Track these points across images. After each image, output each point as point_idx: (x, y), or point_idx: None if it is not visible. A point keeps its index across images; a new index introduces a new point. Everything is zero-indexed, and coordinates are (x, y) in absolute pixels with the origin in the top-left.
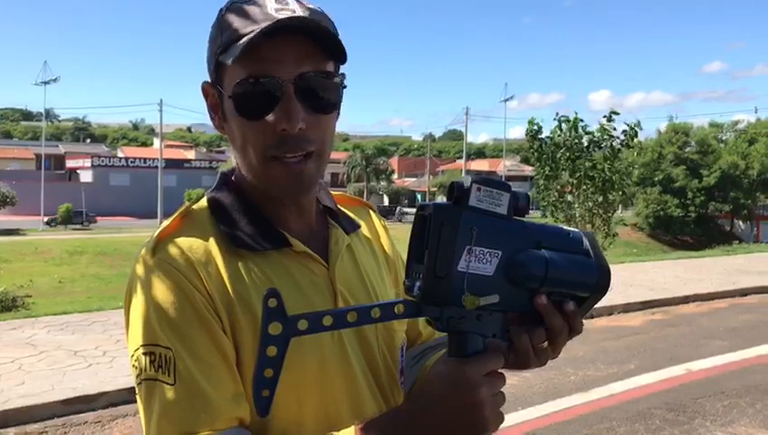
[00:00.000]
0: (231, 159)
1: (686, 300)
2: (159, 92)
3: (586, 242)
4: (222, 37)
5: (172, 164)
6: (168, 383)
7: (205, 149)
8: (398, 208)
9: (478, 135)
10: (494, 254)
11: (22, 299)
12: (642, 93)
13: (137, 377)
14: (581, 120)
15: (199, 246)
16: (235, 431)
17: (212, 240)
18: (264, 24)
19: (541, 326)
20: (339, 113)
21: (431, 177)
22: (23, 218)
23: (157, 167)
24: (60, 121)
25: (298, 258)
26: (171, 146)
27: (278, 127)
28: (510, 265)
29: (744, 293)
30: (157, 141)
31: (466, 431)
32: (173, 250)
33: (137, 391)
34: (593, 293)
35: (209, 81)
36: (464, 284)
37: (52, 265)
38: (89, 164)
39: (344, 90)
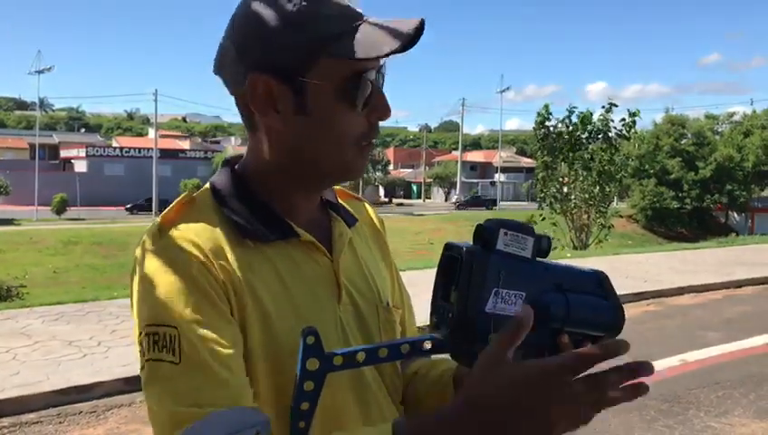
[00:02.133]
0: (227, 149)
1: (680, 291)
2: (154, 82)
3: (602, 282)
4: (316, 28)
5: (167, 154)
6: (173, 362)
7: (200, 139)
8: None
9: (475, 126)
10: (518, 295)
11: (16, 289)
12: (639, 85)
13: (141, 360)
14: (591, 114)
15: (205, 232)
16: (251, 411)
17: (217, 228)
18: (405, 33)
19: None
20: None
21: (427, 168)
22: (17, 208)
23: (152, 157)
24: (54, 111)
25: (303, 248)
26: (166, 136)
27: (374, 116)
28: (533, 306)
29: (738, 284)
30: (151, 131)
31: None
32: (179, 234)
33: (141, 376)
34: (608, 332)
35: (266, 70)
36: (490, 324)
37: (46, 254)
38: (83, 154)
39: None
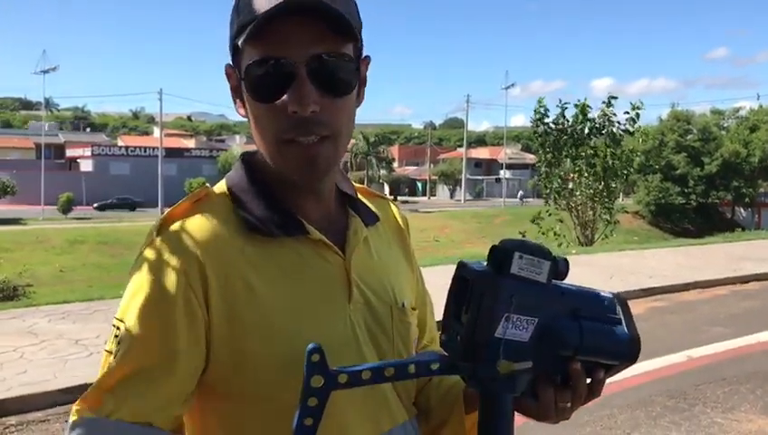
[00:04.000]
0: (232, 148)
1: (686, 287)
2: (159, 81)
3: (619, 309)
4: (238, 19)
5: (172, 153)
6: (115, 358)
7: (205, 138)
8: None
9: (480, 123)
10: (530, 321)
11: (23, 288)
12: (646, 80)
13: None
14: (590, 107)
15: (208, 229)
16: (143, 429)
17: (224, 223)
18: (273, 4)
19: (567, 389)
20: (361, 98)
21: (432, 165)
22: (23, 208)
23: (157, 156)
24: (59, 110)
25: (313, 246)
26: (171, 135)
27: (290, 109)
28: (546, 332)
29: (744, 280)
30: (157, 130)
31: None
32: (176, 233)
33: None
34: (623, 361)
35: (233, 63)
36: (500, 349)
37: (52, 254)
38: (89, 153)
39: (361, 72)
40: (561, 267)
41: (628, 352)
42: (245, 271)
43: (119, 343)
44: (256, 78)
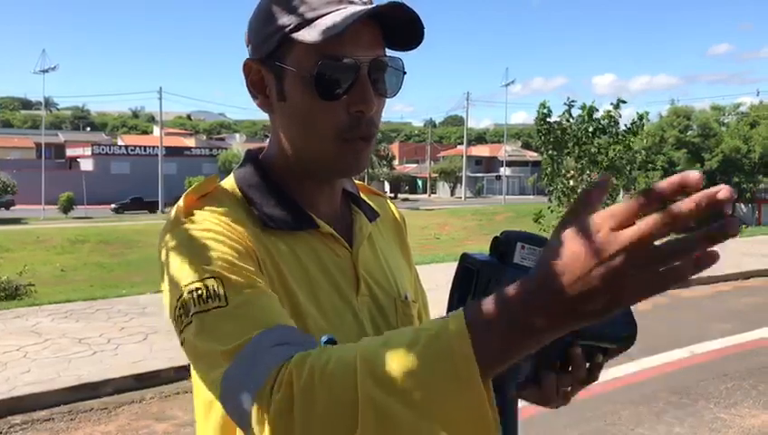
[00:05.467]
0: (232, 147)
1: (688, 283)
2: (159, 80)
3: None
4: (293, 13)
5: (172, 152)
6: (220, 306)
7: (205, 137)
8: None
9: (481, 120)
10: None
11: (25, 287)
12: (647, 77)
13: (184, 323)
14: (596, 109)
15: (230, 217)
16: (302, 333)
17: (241, 217)
18: (363, 8)
19: (568, 373)
20: None
21: (432, 163)
22: (24, 207)
23: (157, 155)
24: (59, 110)
25: (323, 240)
26: (171, 133)
27: (352, 108)
28: None
29: (747, 276)
30: (157, 129)
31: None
32: (205, 214)
33: (183, 345)
34: (620, 345)
35: (256, 57)
36: None
37: (53, 253)
38: (89, 152)
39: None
40: None
41: (626, 335)
42: (270, 254)
43: (209, 298)
44: (324, 75)
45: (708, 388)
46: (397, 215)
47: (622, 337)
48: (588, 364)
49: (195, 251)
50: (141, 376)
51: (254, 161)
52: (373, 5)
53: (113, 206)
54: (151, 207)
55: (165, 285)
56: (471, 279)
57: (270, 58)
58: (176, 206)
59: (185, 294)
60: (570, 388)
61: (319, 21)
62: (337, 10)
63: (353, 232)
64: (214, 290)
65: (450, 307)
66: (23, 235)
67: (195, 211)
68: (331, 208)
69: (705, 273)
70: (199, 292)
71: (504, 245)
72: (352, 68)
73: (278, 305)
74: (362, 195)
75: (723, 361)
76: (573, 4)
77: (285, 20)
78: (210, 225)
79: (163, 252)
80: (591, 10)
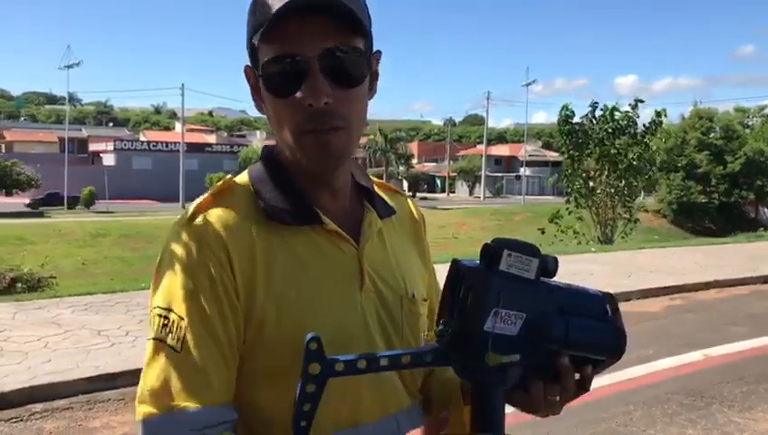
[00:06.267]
0: (253, 144)
1: (706, 286)
2: (181, 77)
3: (607, 306)
4: (253, 19)
5: (194, 148)
6: (174, 350)
7: (226, 134)
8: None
9: (501, 120)
10: (518, 316)
11: (46, 280)
12: (670, 78)
13: (148, 332)
14: (618, 110)
15: (233, 218)
16: (223, 409)
17: (248, 212)
18: (284, 3)
19: (556, 382)
20: (373, 91)
21: (451, 162)
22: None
23: (178, 151)
24: (83, 105)
25: (328, 236)
26: (193, 130)
27: (305, 102)
28: (533, 327)
29: (765, 279)
30: (178, 125)
31: None
32: (206, 223)
33: (146, 344)
34: (609, 356)
35: (249, 64)
36: (488, 342)
37: (75, 247)
38: (111, 147)
39: (371, 65)
40: (549, 265)
41: (614, 347)
42: (264, 257)
43: (170, 332)
44: (273, 75)
45: (723, 391)
46: (415, 213)
47: (611, 348)
48: (578, 375)
49: (178, 277)
50: None
51: (268, 157)
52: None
53: (27, 202)
54: (70, 204)
55: (156, 279)
56: (457, 284)
57: (253, 64)
58: (193, 205)
59: (156, 311)
60: (558, 397)
61: (265, 24)
62: (278, 10)
63: (361, 228)
64: (176, 328)
65: (440, 309)
66: (45, 228)
67: (203, 216)
68: (337, 204)
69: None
70: (165, 320)
71: (491, 252)
72: (300, 63)
73: (225, 363)
74: (380, 191)
75: (739, 364)
76: (596, 4)
77: (250, 27)
78: (204, 247)
79: (165, 251)
80: (614, 10)
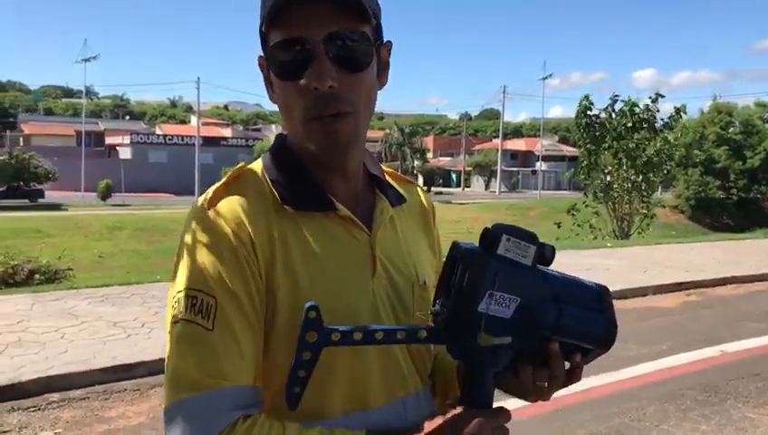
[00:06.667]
0: (268, 138)
1: (722, 282)
2: (197, 70)
3: (601, 297)
4: (263, 7)
5: (209, 141)
6: (206, 328)
7: (241, 127)
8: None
9: (518, 114)
10: (513, 300)
11: (63, 272)
12: (688, 72)
13: (173, 316)
14: (638, 106)
15: (249, 204)
16: (256, 389)
17: (262, 198)
18: None
19: (545, 368)
20: (383, 81)
21: (466, 156)
22: (64, 194)
23: (194, 144)
24: (99, 99)
25: (342, 222)
26: (208, 123)
27: (311, 86)
28: (526, 312)
29: None
30: (194, 119)
31: None
32: (224, 206)
33: (168, 329)
34: (598, 346)
35: (263, 54)
36: (482, 323)
37: (92, 239)
38: (128, 141)
39: (379, 53)
40: (547, 253)
41: (604, 337)
42: (279, 242)
43: (199, 311)
44: (279, 59)
45: (738, 387)
46: (425, 201)
47: (601, 339)
48: (567, 364)
49: (203, 257)
50: None
51: (280, 145)
52: None
53: None
54: (32, 196)
55: (177, 267)
56: (454, 266)
57: (263, 52)
58: (209, 191)
59: (181, 294)
60: (546, 383)
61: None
62: None
63: (374, 215)
64: (206, 307)
65: (437, 290)
66: (62, 221)
67: (219, 201)
68: (349, 191)
69: (740, 272)
70: (194, 301)
71: (490, 236)
72: (305, 47)
73: (255, 342)
74: (390, 180)
75: (754, 360)
76: None
77: (261, 16)
78: (225, 227)
79: (184, 236)
80: (633, 3)
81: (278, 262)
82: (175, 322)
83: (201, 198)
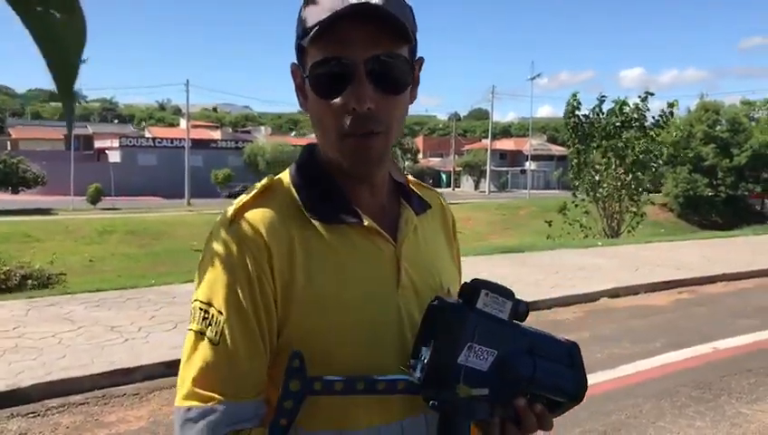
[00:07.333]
0: (257, 139)
1: (713, 280)
2: (185, 72)
3: (572, 353)
4: (304, 22)
5: (198, 144)
6: (213, 342)
7: (230, 129)
8: None
9: (506, 114)
10: (490, 353)
11: (56, 276)
12: (676, 71)
13: (190, 323)
14: (627, 105)
15: (273, 218)
16: (256, 403)
17: (288, 210)
18: (337, 9)
19: (513, 423)
20: (413, 97)
21: (456, 156)
22: (53, 198)
23: (183, 147)
24: (88, 102)
25: (367, 234)
26: (197, 126)
27: (349, 106)
28: (502, 364)
29: None
30: (183, 121)
31: None
32: (247, 223)
33: (186, 334)
34: (569, 399)
35: (298, 63)
36: (461, 375)
37: (82, 244)
38: (117, 144)
39: (415, 73)
40: (521, 309)
41: (575, 392)
42: (303, 256)
43: (209, 325)
44: (319, 76)
45: (731, 383)
46: (447, 211)
47: (572, 393)
48: (537, 414)
49: (219, 274)
50: (171, 363)
51: (309, 156)
52: (347, 5)
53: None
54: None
55: (199, 273)
56: (435, 318)
57: (300, 64)
58: (236, 203)
59: (197, 303)
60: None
61: (316, 27)
62: (330, 16)
63: (399, 225)
64: (215, 321)
65: (417, 340)
66: (52, 225)
67: (245, 212)
68: (375, 201)
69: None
70: (205, 314)
71: (469, 290)
72: (346, 67)
73: (260, 359)
74: (413, 188)
75: (746, 357)
76: None
77: (300, 29)
78: (243, 244)
79: (208, 245)
80: (620, 2)
81: (299, 279)
82: (189, 328)
83: (231, 209)
